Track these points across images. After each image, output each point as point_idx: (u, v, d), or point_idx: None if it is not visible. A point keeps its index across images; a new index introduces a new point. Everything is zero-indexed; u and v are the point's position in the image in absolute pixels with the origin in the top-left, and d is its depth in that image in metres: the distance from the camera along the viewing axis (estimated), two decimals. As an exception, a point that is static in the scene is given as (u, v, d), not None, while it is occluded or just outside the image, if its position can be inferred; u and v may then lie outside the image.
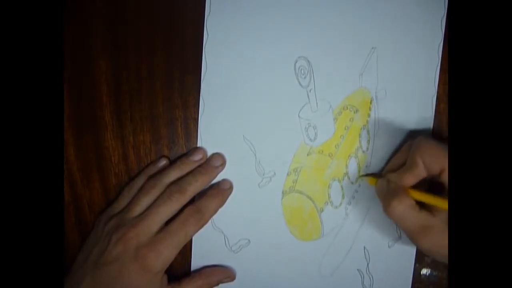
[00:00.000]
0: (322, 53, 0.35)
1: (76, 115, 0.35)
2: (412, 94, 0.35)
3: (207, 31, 0.34)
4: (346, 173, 0.36)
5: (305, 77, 0.35)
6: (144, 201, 0.32)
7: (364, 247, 0.37)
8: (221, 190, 0.34)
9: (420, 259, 0.37)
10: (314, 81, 0.35)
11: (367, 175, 0.36)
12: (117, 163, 0.35)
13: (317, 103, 0.35)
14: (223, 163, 0.35)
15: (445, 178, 0.29)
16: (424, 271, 0.37)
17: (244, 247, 0.36)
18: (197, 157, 0.34)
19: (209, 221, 0.36)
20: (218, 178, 0.35)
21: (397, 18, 0.35)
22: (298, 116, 0.35)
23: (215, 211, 0.34)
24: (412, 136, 0.36)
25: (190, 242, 0.36)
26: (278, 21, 0.34)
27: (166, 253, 0.31)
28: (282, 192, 0.36)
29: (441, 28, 0.35)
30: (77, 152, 0.35)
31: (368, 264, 0.37)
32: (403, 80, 0.35)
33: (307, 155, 0.36)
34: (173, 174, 0.34)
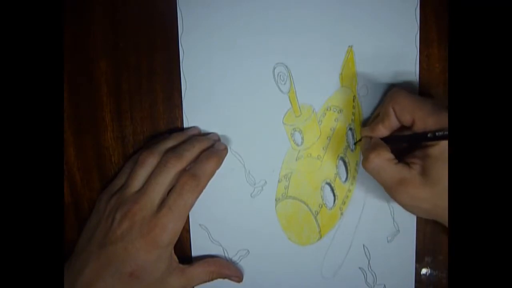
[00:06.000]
0: (299, 57, 0.35)
1: (76, 115, 0.35)
2: (394, 87, 0.35)
3: (182, 49, 0.35)
4: (337, 174, 0.36)
5: (284, 83, 0.35)
6: (141, 174, 0.31)
7: (364, 245, 0.36)
8: (216, 151, 0.33)
9: (420, 259, 0.36)
10: (294, 86, 0.35)
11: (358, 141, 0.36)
12: (117, 163, 0.36)
13: (299, 108, 0.35)
14: (219, 139, 0.35)
15: (416, 128, 0.29)
16: (424, 271, 0.36)
17: (244, 258, 0.36)
18: (193, 132, 0.34)
19: (207, 235, 0.36)
20: (210, 187, 0.33)
21: (371, 13, 0.34)
22: (283, 122, 0.35)
23: (212, 174, 0.32)
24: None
25: (190, 256, 0.36)
26: (252, 31, 0.34)
27: (171, 227, 0.30)
28: (275, 200, 0.36)
29: (416, 18, 0.34)
30: (77, 152, 0.35)
31: (369, 261, 0.36)
32: (383, 74, 0.35)
33: (296, 160, 0.36)
34: (169, 143, 0.33)
